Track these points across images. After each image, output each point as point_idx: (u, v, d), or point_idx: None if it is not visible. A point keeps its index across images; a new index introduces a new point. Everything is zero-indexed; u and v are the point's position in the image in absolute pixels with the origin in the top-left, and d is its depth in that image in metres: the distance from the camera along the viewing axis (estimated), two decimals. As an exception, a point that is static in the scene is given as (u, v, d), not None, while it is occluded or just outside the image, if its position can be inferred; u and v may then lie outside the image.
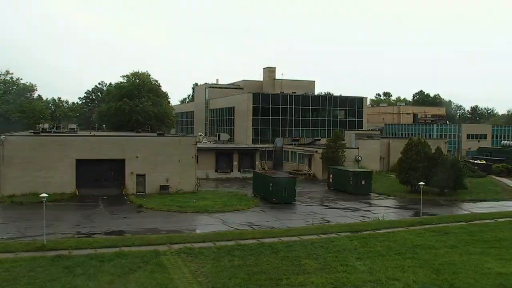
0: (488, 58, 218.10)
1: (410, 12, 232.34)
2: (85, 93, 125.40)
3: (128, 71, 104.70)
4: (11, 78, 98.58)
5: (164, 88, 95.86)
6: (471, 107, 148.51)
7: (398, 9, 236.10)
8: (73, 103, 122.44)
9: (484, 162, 68.64)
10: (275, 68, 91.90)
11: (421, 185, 36.28)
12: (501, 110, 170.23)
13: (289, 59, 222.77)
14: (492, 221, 36.28)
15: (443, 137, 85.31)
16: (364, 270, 23.59)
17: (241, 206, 40.12)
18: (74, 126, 71.94)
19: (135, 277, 21.78)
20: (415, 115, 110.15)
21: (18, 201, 39.69)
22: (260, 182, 45.75)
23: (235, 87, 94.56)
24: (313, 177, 61.76)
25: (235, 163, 63.82)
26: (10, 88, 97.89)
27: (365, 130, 76.83)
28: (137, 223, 33.44)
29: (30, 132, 54.85)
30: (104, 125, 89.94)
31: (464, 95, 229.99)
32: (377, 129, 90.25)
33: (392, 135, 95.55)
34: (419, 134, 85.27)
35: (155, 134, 57.08)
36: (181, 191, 45.90)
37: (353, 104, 79.40)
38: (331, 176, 53.39)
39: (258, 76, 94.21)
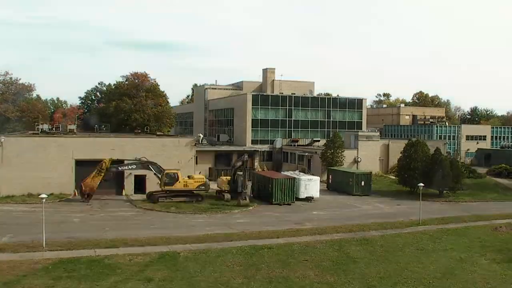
0: (488, 58, 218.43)
1: (410, 12, 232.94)
2: (85, 93, 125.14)
3: (127, 72, 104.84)
4: (10, 78, 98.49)
5: (163, 89, 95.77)
6: (471, 108, 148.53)
7: (398, 9, 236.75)
8: (71, 105, 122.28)
9: None
10: (274, 69, 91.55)
11: (421, 186, 36.27)
12: (500, 111, 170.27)
13: (288, 60, 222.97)
14: (490, 222, 36.30)
15: (442, 138, 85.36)
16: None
17: (241, 207, 40.02)
18: (73, 127, 71.89)
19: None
20: (414, 116, 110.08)
21: (17, 202, 39.60)
22: (260, 183, 45.63)
23: (235, 88, 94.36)
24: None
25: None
26: (9, 88, 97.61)
27: (365, 131, 76.77)
28: (136, 224, 33.36)
29: (29, 133, 54.82)
30: (103, 126, 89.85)
31: (463, 96, 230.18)
32: (376, 130, 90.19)
33: (392, 136, 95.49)
34: (418, 135, 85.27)
35: (154, 135, 57.10)
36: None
37: (353, 106, 79.34)
38: (330, 177, 53.40)
39: (258, 77, 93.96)
